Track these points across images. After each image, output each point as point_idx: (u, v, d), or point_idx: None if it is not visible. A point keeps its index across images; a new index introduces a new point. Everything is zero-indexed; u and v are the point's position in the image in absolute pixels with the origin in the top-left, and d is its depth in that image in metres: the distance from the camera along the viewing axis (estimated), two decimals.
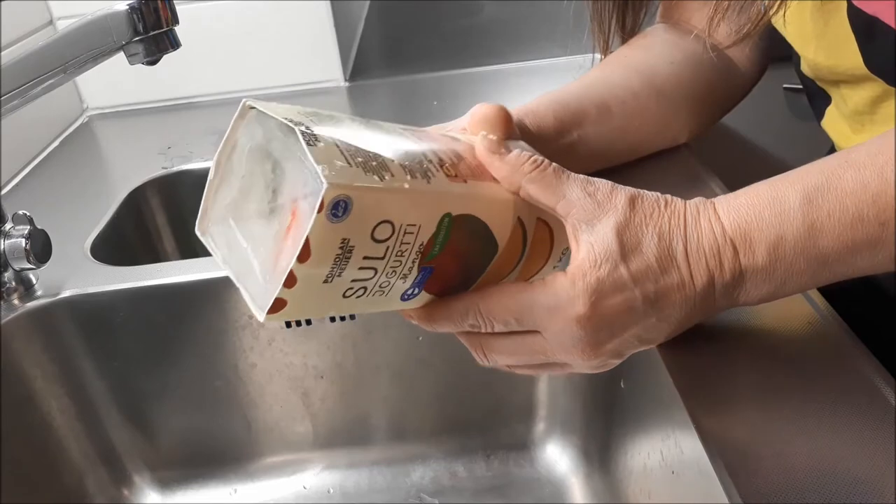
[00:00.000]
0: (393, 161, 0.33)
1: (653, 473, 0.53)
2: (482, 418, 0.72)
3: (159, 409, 0.69)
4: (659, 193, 0.39)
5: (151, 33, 0.53)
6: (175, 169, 0.86)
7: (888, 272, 0.39)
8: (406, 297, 0.36)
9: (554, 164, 0.38)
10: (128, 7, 0.52)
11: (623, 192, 0.38)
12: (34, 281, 0.65)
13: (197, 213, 0.35)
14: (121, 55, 0.54)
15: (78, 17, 0.55)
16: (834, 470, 0.38)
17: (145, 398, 0.69)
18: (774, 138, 1.02)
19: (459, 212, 0.35)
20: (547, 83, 0.98)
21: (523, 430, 0.72)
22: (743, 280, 0.38)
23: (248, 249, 0.34)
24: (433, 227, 0.34)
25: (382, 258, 0.33)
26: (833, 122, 0.54)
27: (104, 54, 0.54)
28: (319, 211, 0.30)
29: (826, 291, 0.52)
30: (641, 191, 0.39)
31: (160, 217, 0.86)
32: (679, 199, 0.39)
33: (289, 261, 0.30)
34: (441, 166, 0.35)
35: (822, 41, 0.48)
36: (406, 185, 0.32)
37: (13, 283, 0.64)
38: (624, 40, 0.63)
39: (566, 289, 0.36)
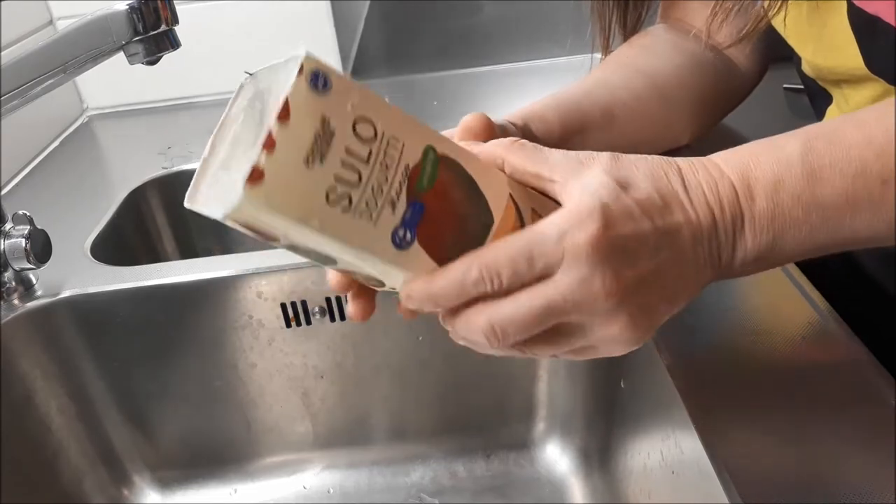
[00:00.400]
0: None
1: (653, 473, 0.53)
2: (482, 418, 0.72)
3: (159, 409, 0.69)
4: None
5: (151, 33, 0.53)
6: (175, 169, 0.86)
7: (888, 272, 0.39)
8: (398, 240, 0.33)
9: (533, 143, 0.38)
10: (128, 7, 0.52)
11: (604, 152, 0.37)
12: (34, 281, 0.65)
13: (197, 213, 0.34)
14: (121, 55, 0.55)
15: (78, 17, 0.55)
16: (834, 470, 0.38)
17: (145, 398, 0.69)
18: None
19: (444, 152, 0.34)
20: (547, 83, 0.98)
21: (523, 430, 0.72)
22: (742, 223, 0.37)
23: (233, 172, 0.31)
24: (418, 156, 0.33)
25: (367, 162, 0.31)
26: None
27: (104, 54, 0.54)
28: (299, 74, 0.29)
29: (826, 291, 0.52)
30: None
31: (160, 217, 0.86)
32: None
33: (269, 125, 0.29)
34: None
35: (821, 42, 0.48)
36: (387, 100, 0.32)
37: (13, 283, 0.64)
38: (625, 39, 0.63)
39: (571, 216, 0.34)
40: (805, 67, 0.53)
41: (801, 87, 0.58)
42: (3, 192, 0.83)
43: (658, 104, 0.59)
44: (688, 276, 0.37)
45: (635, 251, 0.35)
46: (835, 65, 0.48)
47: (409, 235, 0.34)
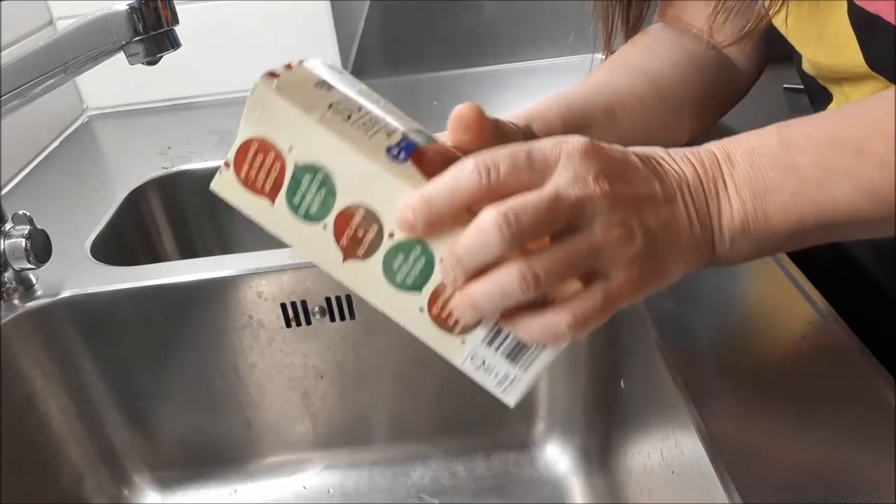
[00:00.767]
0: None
1: (653, 473, 0.53)
2: (482, 418, 0.72)
3: (159, 409, 0.69)
4: None
5: (151, 33, 0.53)
6: (175, 169, 0.86)
7: (888, 272, 0.39)
8: (392, 154, 0.35)
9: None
10: (128, 7, 0.52)
11: None
12: (34, 281, 0.65)
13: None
14: (121, 55, 0.55)
15: (78, 17, 0.55)
16: (834, 470, 0.38)
17: (145, 398, 0.69)
18: None
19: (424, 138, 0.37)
20: (547, 83, 0.98)
21: (523, 430, 0.72)
22: (724, 182, 0.38)
23: None
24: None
25: (363, 109, 0.36)
26: None
27: (104, 54, 0.54)
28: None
29: (826, 291, 0.52)
30: None
31: (160, 217, 0.86)
32: None
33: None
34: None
35: (822, 41, 0.48)
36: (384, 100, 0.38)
37: (13, 283, 0.64)
38: (627, 37, 0.63)
39: (563, 136, 0.36)
40: (805, 66, 0.53)
41: (801, 87, 0.58)
42: (3, 192, 0.83)
43: (659, 104, 0.59)
44: (680, 220, 0.38)
45: (626, 172, 0.36)
46: (836, 63, 0.48)
47: (402, 154, 0.35)
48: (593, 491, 0.68)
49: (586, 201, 0.35)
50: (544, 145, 0.35)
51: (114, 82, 1.03)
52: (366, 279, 0.36)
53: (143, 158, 0.89)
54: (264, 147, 0.35)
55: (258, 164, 0.36)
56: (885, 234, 0.39)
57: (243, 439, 0.71)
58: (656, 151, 0.39)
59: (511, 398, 0.38)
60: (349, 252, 0.36)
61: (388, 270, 0.36)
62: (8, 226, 0.61)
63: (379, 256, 0.36)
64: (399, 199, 0.35)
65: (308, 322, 0.66)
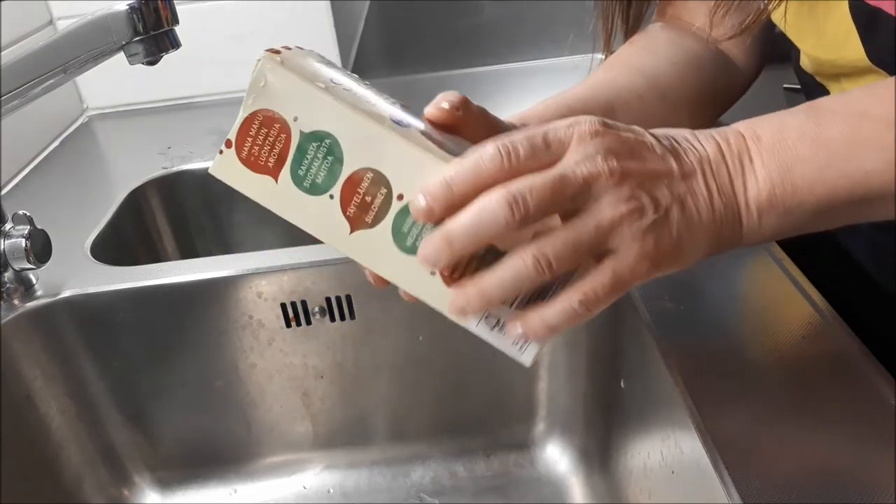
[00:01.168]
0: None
1: (653, 473, 0.53)
2: (482, 418, 0.72)
3: (159, 409, 0.69)
4: None
5: (151, 33, 0.53)
6: (175, 169, 0.86)
7: (888, 272, 0.39)
8: (395, 120, 0.36)
9: None
10: (128, 7, 0.52)
11: None
12: (34, 281, 0.65)
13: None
14: (121, 55, 0.54)
15: (78, 17, 0.55)
16: (834, 470, 0.38)
17: (145, 398, 0.69)
18: None
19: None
20: (547, 83, 0.98)
21: (523, 430, 0.72)
22: (749, 156, 0.38)
23: None
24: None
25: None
26: None
27: (104, 54, 0.54)
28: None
29: (826, 291, 0.52)
30: None
31: (160, 217, 0.86)
32: None
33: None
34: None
35: (822, 35, 0.48)
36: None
37: (13, 283, 0.64)
38: (627, 37, 0.63)
39: (578, 118, 0.36)
40: (804, 63, 0.54)
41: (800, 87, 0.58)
42: (3, 192, 0.83)
43: (658, 103, 0.59)
44: (699, 195, 0.37)
45: (638, 150, 0.36)
46: (836, 57, 0.48)
47: (404, 121, 0.36)
48: (593, 491, 0.68)
49: (593, 180, 0.35)
50: (559, 127, 0.36)
51: (114, 82, 1.03)
52: (374, 248, 0.36)
53: (143, 158, 0.89)
54: (269, 120, 0.36)
55: (262, 138, 0.36)
56: None
57: (243, 439, 0.71)
58: (681, 132, 0.39)
59: (528, 357, 0.38)
60: (356, 221, 0.36)
61: (398, 234, 0.36)
62: (8, 226, 0.61)
63: (388, 221, 0.36)
64: (407, 160, 0.35)
65: (308, 322, 0.66)
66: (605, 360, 0.64)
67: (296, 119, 0.36)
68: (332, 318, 0.66)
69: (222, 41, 0.99)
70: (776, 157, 0.37)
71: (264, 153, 0.36)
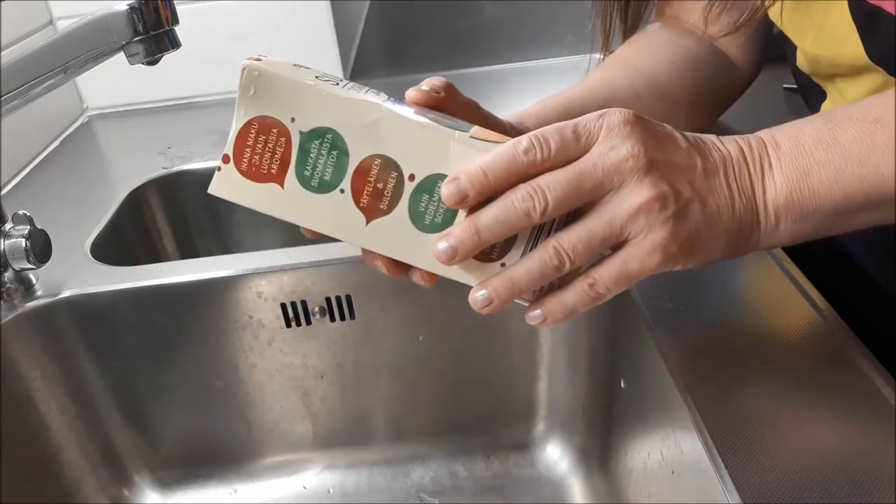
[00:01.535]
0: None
1: (653, 473, 0.53)
2: (482, 418, 0.72)
3: (159, 409, 0.69)
4: None
5: (151, 33, 0.53)
6: (175, 169, 0.86)
7: (887, 271, 0.39)
8: (392, 102, 0.36)
9: None
10: (128, 7, 0.52)
11: None
12: (34, 281, 0.65)
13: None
14: (121, 55, 0.54)
15: (78, 17, 0.54)
16: (834, 469, 0.38)
17: (145, 398, 0.69)
18: None
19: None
20: (546, 83, 0.98)
21: (523, 430, 0.72)
22: (769, 161, 0.39)
23: None
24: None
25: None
26: None
27: (104, 54, 0.54)
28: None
29: (826, 291, 0.52)
30: None
31: (160, 217, 0.86)
32: None
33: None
34: None
35: (821, 32, 0.48)
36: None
37: (13, 283, 0.64)
38: (625, 37, 0.63)
39: (607, 109, 0.38)
40: (800, 62, 0.53)
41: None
42: (3, 192, 0.83)
43: (657, 103, 0.59)
44: (720, 194, 0.38)
45: (666, 143, 0.38)
46: (835, 55, 0.48)
47: (396, 106, 0.36)
48: (593, 491, 0.68)
49: (618, 169, 0.36)
50: (588, 119, 0.37)
51: (114, 82, 1.03)
52: (393, 234, 0.36)
53: (143, 158, 0.89)
54: (265, 126, 0.35)
55: (261, 146, 0.36)
56: None
57: (243, 439, 0.71)
58: (706, 136, 0.40)
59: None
60: (371, 211, 0.36)
61: (415, 214, 0.36)
62: (8, 226, 0.61)
63: (404, 203, 0.36)
64: (413, 139, 0.35)
65: (308, 322, 0.66)
66: (605, 360, 0.64)
67: (293, 120, 0.35)
68: (332, 318, 0.66)
69: (222, 41, 0.99)
70: (794, 162, 0.38)
71: (266, 161, 0.36)
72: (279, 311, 0.66)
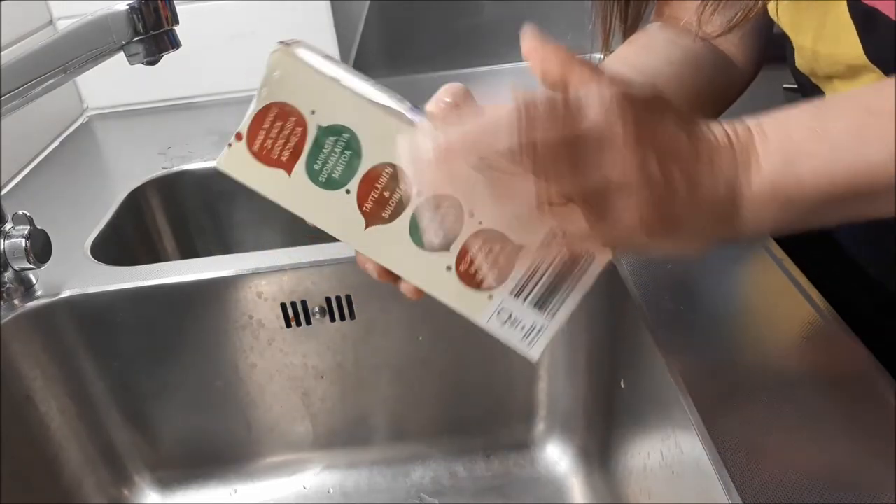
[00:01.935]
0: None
1: (653, 473, 0.53)
2: (482, 418, 0.72)
3: (159, 409, 0.69)
4: None
5: (151, 33, 0.53)
6: (175, 169, 0.86)
7: (887, 271, 0.39)
8: (412, 114, 0.36)
9: None
10: (128, 7, 0.52)
11: None
12: (34, 281, 0.65)
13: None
14: (121, 55, 0.54)
15: (78, 17, 0.55)
16: (834, 470, 0.38)
17: (145, 398, 0.69)
18: None
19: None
20: None
21: (523, 430, 0.72)
22: (756, 151, 0.38)
23: None
24: None
25: None
26: None
27: (104, 54, 0.54)
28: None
29: (826, 291, 0.52)
30: None
31: (160, 217, 0.86)
32: None
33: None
34: None
35: (821, 30, 0.48)
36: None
37: (13, 283, 0.64)
38: (625, 37, 0.63)
39: (601, 85, 0.36)
40: (799, 63, 0.54)
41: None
42: (3, 192, 0.83)
43: None
44: (705, 176, 0.37)
45: (653, 114, 0.36)
46: (835, 52, 0.48)
47: (418, 116, 0.36)
48: (593, 491, 0.68)
49: (606, 143, 0.35)
50: (580, 92, 0.36)
51: (114, 82, 1.03)
52: (389, 244, 0.36)
53: (143, 158, 0.89)
54: (284, 112, 0.35)
55: (276, 131, 0.35)
56: None
57: (243, 439, 0.71)
58: (695, 118, 0.39)
59: (536, 350, 0.38)
60: (372, 216, 0.36)
61: (416, 230, 0.36)
62: (8, 226, 0.61)
63: (406, 217, 0.36)
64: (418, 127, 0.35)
65: (308, 322, 0.66)
66: (605, 360, 0.64)
67: (313, 112, 0.35)
68: (332, 318, 0.66)
69: (222, 41, 0.99)
70: (781, 149, 0.38)
71: (278, 146, 0.36)
72: (279, 311, 0.66)
